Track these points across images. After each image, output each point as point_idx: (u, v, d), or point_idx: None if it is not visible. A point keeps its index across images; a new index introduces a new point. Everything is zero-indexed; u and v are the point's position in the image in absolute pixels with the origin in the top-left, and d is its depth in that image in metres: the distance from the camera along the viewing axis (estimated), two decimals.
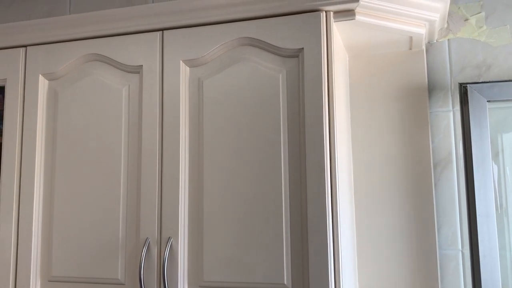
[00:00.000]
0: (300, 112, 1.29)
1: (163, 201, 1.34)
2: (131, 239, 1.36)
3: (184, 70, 1.39)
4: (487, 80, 1.55)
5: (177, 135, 1.36)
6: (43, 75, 1.51)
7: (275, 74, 1.32)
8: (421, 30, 1.44)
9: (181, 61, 1.38)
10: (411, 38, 1.49)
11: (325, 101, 1.27)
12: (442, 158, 1.55)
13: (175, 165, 1.35)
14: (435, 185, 1.54)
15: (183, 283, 1.30)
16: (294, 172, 1.27)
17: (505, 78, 1.54)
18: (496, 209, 1.50)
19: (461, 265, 1.49)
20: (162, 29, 1.42)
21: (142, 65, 1.42)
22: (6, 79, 1.54)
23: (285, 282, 1.24)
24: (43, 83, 1.51)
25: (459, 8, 1.60)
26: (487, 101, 1.53)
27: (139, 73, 1.43)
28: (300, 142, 1.28)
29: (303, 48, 1.30)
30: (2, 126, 1.53)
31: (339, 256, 1.22)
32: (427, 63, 1.59)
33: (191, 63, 1.39)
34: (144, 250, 1.32)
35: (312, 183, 1.24)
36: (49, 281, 1.42)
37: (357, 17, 1.33)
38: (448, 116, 1.57)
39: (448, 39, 1.60)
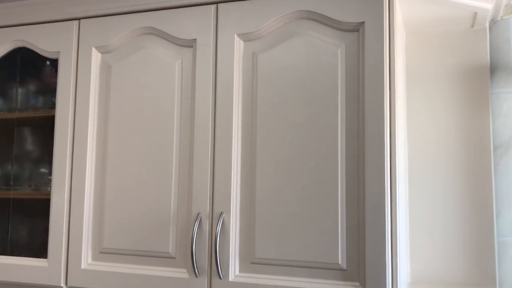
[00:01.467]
0: (360, 89, 1.24)
1: (215, 176, 1.33)
2: (183, 214, 1.36)
3: (238, 44, 1.36)
4: None
5: (230, 110, 1.33)
6: (96, 48, 1.51)
7: (334, 48, 1.27)
8: (487, 5, 1.36)
9: (235, 35, 1.36)
10: (475, 14, 1.41)
11: (386, 78, 1.22)
12: (503, 142, 1.48)
13: (228, 140, 1.33)
14: (494, 169, 1.47)
15: (235, 259, 1.29)
16: (352, 152, 1.23)
17: None
18: None
19: None
20: (217, 2, 1.39)
21: (195, 39, 1.39)
22: (59, 52, 1.55)
23: (340, 262, 1.21)
24: (96, 56, 1.51)
25: None
26: None
27: (192, 47, 1.40)
28: (359, 120, 1.23)
29: (364, 22, 1.25)
30: (56, 98, 1.54)
31: (396, 240, 1.18)
32: (490, 42, 1.51)
33: (245, 37, 1.35)
34: (196, 225, 1.31)
35: (371, 164, 1.20)
36: (100, 252, 1.44)
37: None
38: (510, 98, 1.49)
39: None
